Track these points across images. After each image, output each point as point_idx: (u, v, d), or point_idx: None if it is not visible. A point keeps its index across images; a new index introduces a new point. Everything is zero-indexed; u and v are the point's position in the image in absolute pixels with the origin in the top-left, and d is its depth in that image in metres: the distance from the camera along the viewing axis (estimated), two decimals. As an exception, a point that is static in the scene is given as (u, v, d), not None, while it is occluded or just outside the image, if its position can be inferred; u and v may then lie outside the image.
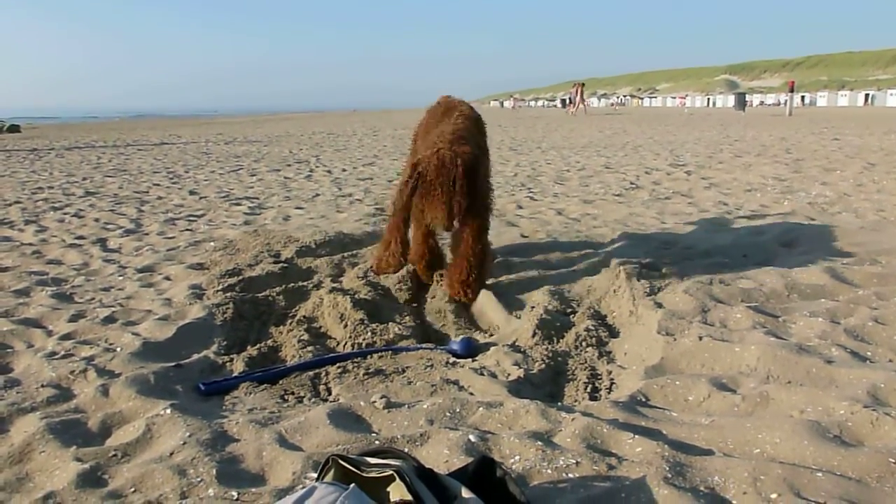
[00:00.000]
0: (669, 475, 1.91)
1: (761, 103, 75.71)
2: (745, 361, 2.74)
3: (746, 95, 59.73)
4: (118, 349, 3.06)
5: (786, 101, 37.05)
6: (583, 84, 43.41)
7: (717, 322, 3.16)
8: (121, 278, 4.36)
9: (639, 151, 12.98)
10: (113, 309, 3.66)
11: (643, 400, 2.51)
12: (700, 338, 2.94)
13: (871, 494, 1.82)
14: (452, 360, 2.98)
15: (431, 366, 2.92)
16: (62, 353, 3.05)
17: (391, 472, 1.57)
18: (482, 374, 2.75)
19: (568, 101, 44.27)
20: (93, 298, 3.92)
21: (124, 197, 8.15)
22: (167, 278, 4.33)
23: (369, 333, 3.26)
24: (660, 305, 3.37)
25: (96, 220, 6.57)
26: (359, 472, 1.62)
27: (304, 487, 1.54)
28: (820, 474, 1.89)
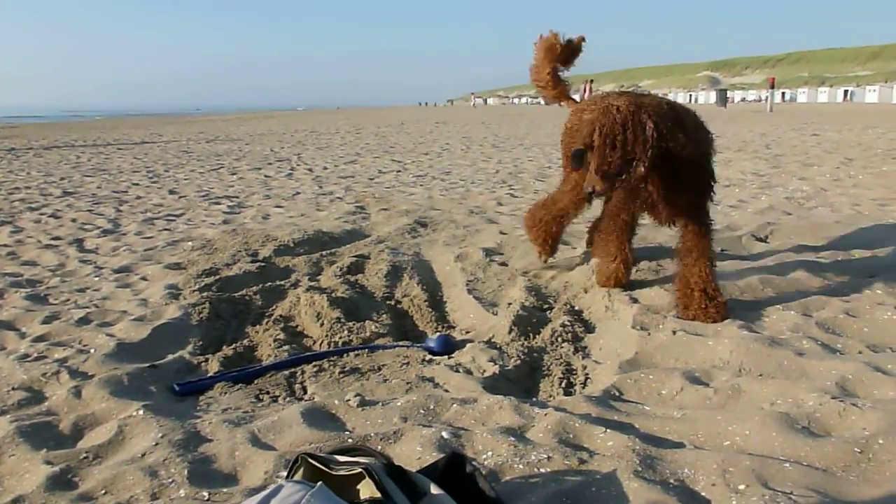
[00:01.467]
0: (640, 468, 1.92)
1: (743, 99, 76.24)
2: (718, 355, 2.76)
3: (728, 92, 60.09)
4: (92, 350, 3.04)
5: (767, 97, 37.31)
6: (591, 80, 43.44)
7: (692, 316, 3.18)
8: (97, 279, 4.33)
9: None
10: (88, 310, 3.63)
11: (617, 394, 2.53)
12: (674, 332, 2.97)
13: (838, 484, 1.84)
14: (429, 357, 2.99)
15: (408, 363, 2.92)
16: (35, 355, 3.02)
17: (360, 469, 1.57)
18: (458, 371, 2.76)
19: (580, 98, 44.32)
20: (68, 300, 3.89)
21: (103, 197, 8.08)
22: (144, 278, 4.31)
23: (346, 332, 3.25)
24: (635, 300, 3.39)
25: (73, 220, 6.51)
26: (328, 470, 1.62)
27: (272, 486, 1.54)
28: (788, 465, 1.91)
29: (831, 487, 1.82)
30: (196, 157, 13.51)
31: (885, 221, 5.10)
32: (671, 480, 1.88)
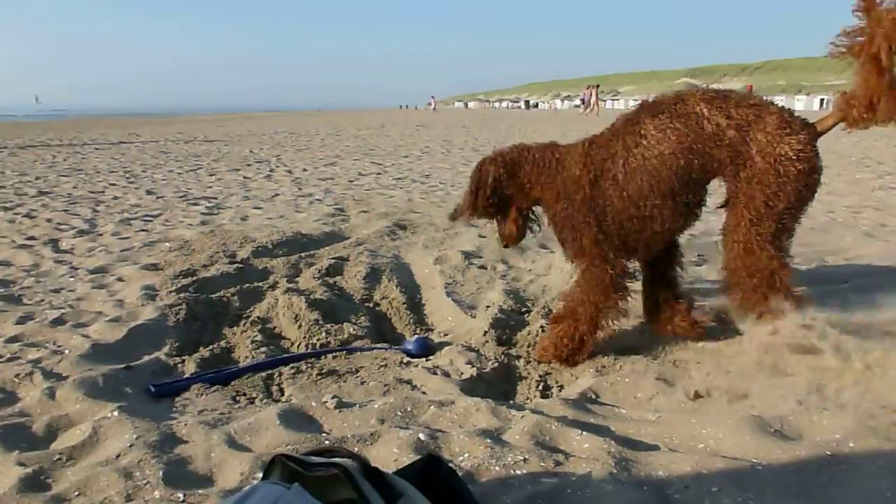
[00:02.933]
0: (615, 470, 1.94)
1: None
2: (692, 356, 2.80)
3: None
4: (67, 351, 3.01)
5: (744, 104, 37.50)
6: (597, 85, 43.86)
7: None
8: (72, 279, 4.28)
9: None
10: (63, 311, 3.59)
11: (593, 397, 2.55)
12: (645, 333, 3.00)
13: (809, 485, 1.87)
14: (407, 359, 2.99)
15: (386, 366, 2.92)
16: (8, 356, 2.98)
17: (336, 471, 1.57)
18: (435, 374, 2.77)
19: (582, 103, 44.68)
20: (42, 300, 3.84)
21: (79, 197, 7.99)
22: (120, 279, 4.27)
23: (324, 334, 3.25)
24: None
25: (49, 220, 6.43)
26: (304, 471, 1.61)
27: (248, 487, 1.53)
28: (760, 467, 1.94)
29: (803, 489, 1.85)
30: (174, 158, 13.40)
31: (859, 228, 5.18)
32: (646, 483, 1.90)
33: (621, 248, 2.76)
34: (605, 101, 55.16)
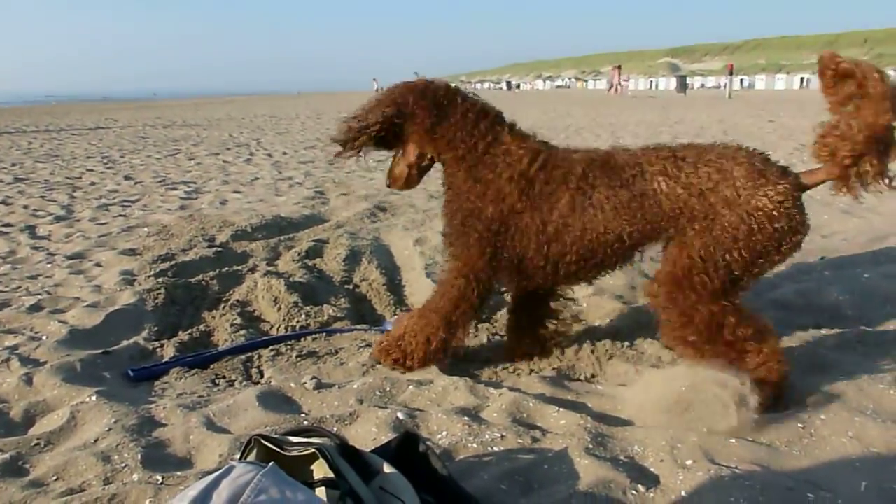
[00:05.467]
0: (591, 446, 1.96)
1: (702, 86, 77.31)
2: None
3: (687, 78, 60.87)
4: (44, 337, 2.99)
5: (725, 83, 37.85)
6: (619, 66, 46.98)
7: (644, 297, 3.24)
8: (49, 265, 4.24)
9: (581, 133, 13.11)
10: (40, 297, 3.56)
11: (570, 374, 2.57)
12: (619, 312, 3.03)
13: (780, 458, 1.91)
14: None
15: (365, 347, 2.92)
16: (-16, 342, 2.96)
17: (313, 450, 1.58)
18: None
19: (609, 83, 46.87)
20: (19, 287, 3.81)
21: (56, 183, 7.90)
22: (98, 265, 4.23)
23: (303, 316, 3.25)
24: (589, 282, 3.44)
25: (25, 206, 6.35)
26: (281, 451, 1.62)
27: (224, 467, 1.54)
28: (733, 441, 1.97)
29: (774, 461, 1.89)
30: (152, 143, 13.27)
31: (835, 206, 5.23)
32: (621, 457, 1.93)
33: (511, 273, 2.45)
34: (626, 82, 56.33)
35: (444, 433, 2.08)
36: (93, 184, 7.83)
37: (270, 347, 2.92)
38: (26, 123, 20.57)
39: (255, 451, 1.67)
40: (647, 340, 2.81)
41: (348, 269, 3.95)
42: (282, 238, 4.65)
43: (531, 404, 2.22)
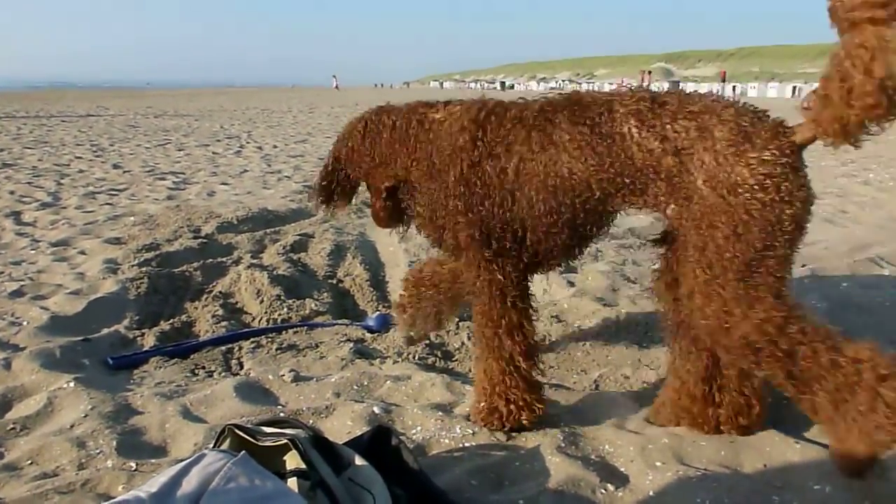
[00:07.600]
0: (563, 444, 1.99)
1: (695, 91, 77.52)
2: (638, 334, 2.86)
3: (680, 83, 61.14)
4: (25, 323, 2.99)
5: (718, 90, 38.04)
6: (650, 72, 49.27)
7: (625, 300, 3.27)
8: (33, 252, 4.24)
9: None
10: (22, 283, 3.56)
11: (545, 374, 2.60)
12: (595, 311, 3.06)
13: (749, 456, 1.94)
14: (368, 335, 3.02)
15: (346, 341, 2.94)
16: (-36, 327, 2.96)
17: (286, 441, 1.60)
18: (394, 349, 2.80)
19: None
20: (2, 272, 3.80)
21: (43, 169, 7.87)
22: (82, 252, 4.23)
23: (285, 309, 3.26)
24: (571, 284, 3.46)
25: (11, 192, 6.33)
26: (254, 441, 1.64)
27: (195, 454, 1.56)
28: (703, 442, 2.00)
29: (743, 460, 1.92)
30: (143, 132, 13.22)
31: (819, 214, 5.28)
32: (592, 456, 1.96)
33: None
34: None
35: (419, 428, 2.10)
36: (81, 171, 7.80)
37: (251, 339, 2.93)
38: (16, 109, 20.46)
39: (228, 441, 1.69)
40: (623, 342, 2.83)
41: (332, 263, 3.97)
42: (268, 231, 4.66)
43: (506, 402, 2.24)
